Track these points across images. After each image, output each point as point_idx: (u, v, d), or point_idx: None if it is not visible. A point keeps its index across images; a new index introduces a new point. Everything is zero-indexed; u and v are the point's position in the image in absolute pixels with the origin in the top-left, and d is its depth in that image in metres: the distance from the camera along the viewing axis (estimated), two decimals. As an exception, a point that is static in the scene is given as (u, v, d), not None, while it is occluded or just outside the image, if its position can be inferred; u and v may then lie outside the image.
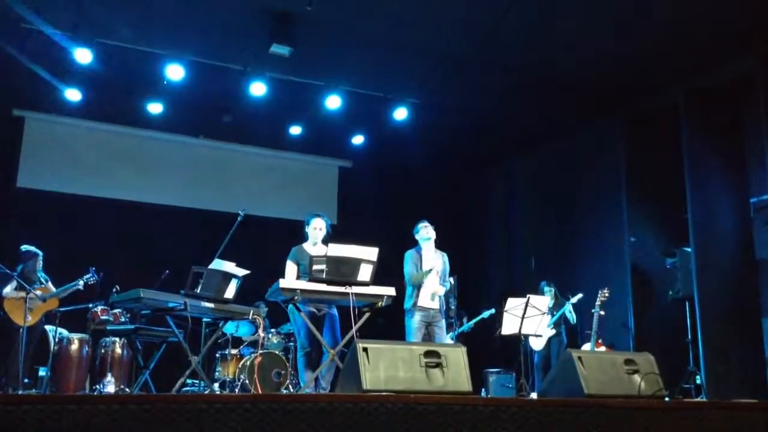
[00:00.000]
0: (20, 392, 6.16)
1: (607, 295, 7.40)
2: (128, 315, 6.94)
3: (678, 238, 7.95)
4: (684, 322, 7.71)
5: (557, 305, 8.03)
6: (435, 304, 6.21)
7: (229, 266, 5.28)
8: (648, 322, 8.16)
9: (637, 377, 3.96)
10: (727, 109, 7.77)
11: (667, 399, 4.06)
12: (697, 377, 7.33)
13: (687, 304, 7.67)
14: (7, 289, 6.68)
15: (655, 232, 8.48)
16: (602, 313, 7.38)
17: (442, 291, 6.28)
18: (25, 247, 7.01)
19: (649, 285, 8.33)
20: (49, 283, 7.08)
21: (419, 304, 6.17)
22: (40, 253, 7.09)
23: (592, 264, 8.95)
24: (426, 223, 6.52)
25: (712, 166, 7.73)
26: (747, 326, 7.19)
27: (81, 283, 6.94)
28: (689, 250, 7.63)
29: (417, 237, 6.51)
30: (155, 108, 8.96)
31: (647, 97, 8.40)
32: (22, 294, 6.52)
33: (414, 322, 6.16)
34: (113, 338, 6.74)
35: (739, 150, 7.72)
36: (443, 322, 6.29)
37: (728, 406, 3.17)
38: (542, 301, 6.94)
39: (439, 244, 6.41)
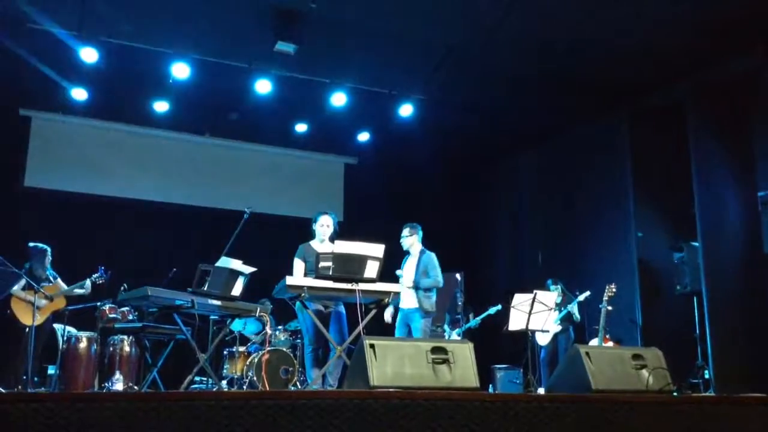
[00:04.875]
0: (29, 390, 6.19)
1: (614, 290, 7.38)
2: (136, 313, 6.97)
3: (685, 232, 7.92)
4: (692, 316, 7.69)
5: (565, 302, 8.01)
6: (411, 304, 6.41)
7: (236, 264, 5.29)
8: (656, 317, 8.13)
9: (644, 372, 3.95)
10: (733, 103, 7.73)
11: (675, 394, 4.04)
12: (706, 372, 7.31)
13: (695, 298, 7.65)
14: (15, 288, 6.70)
15: (663, 227, 8.45)
16: (609, 308, 7.36)
17: (405, 285, 6.47)
18: (32, 244, 7.03)
19: (657, 280, 8.31)
20: (59, 280, 7.10)
21: (399, 305, 6.52)
22: (48, 249, 7.10)
23: (600, 259, 8.92)
24: (403, 231, 6.75)
25: (718, 161, 7.69)
26: (755, 320, 7.16)
27: (89, 282, 6.96)
28: (697, 244, 7.60)
29: None
30: (161, 106, 8.99)
31: (653, 91, 8.36)
32: (30, 296, 6.53)
33: (397, 321, 6.60)
34: (121, 336, 6.77)
35: (745, 144, 7.68)
36: (419, 321, 6.41)
37: (737, 401, 3.15)
38: (549, 296, 6.92)
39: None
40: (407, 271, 6.60)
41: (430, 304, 6.46)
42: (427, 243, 6.92)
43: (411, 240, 6.69)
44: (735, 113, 7.72)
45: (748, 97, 7.61)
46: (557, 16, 6.92)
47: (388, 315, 6.63)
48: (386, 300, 5.27)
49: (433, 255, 6.62)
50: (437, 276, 6.50)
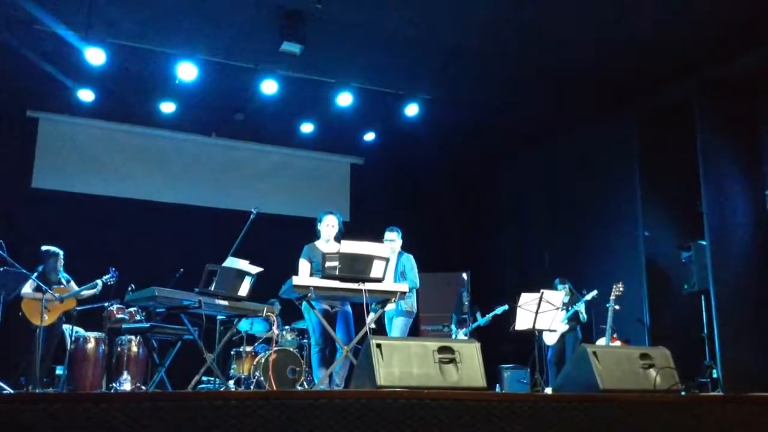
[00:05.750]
0: (38, 391, 6.21)
1: (621, 289, 7.35)
2: (144, 313, 6.99)
3: (693, 231, 7.89)
4: (700, 315, 7.66)
5: (573, 301, 7.99)
6: (390, 306, 5.94)
7: (243, 264, 5.30)
8: (663, 317, 8.11)
9: (652, 372, 3.93)
10: (740, 101, 7.70)
11: (682, 393, 4.03)
12: (714, 371, 7.28)
13: (702, 297, 7.62)
14: (27, 289, 6.73)
15: (670, 226, 8.42)
16: (617, 307, 7.34)
17: None
18: (45, 247, 7.06)
19: (664, 279, 8.28)
20: (71, 283, 7.14)
21: None
22: (61, 252, 7.13)
23: (607, 259, 8.90)
24: (390, 235, 6.51)
25: (726, 159, 7.66)
26: (763, 319, 7.14)
27: (100, 283, 6.98)
28: (704, 243, 7.57)
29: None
30: (167, 107, 9.02)
31: (660, 90, 8.33)
32: (40, 295, 6.55)
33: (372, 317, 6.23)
34: (129, 336, 6.78)
35: (753, 142, 7.65)
36: (396, 320, 6.25)
37: (745, 400, 3.14)
38: (556, 296, 6.91)
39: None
40: (387, 273, 6.49)
41: (409, 304, 6.28)
42: (435, 242, 6.89)
43: (397, 244, 6.53)
44: (742, 111, 7.69)
45: (755, 94, 7.59)
46: (562, 15, 6.91)
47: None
48: (393, 300, 5.26)
49: (411, 257, 6.48)
50: (414, 278, 6.35)
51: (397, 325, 6.25)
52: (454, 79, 8.27)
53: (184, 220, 9.67)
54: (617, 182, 8.94)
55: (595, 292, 7.75)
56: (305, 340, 7.46)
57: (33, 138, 9.24)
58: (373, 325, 5.36)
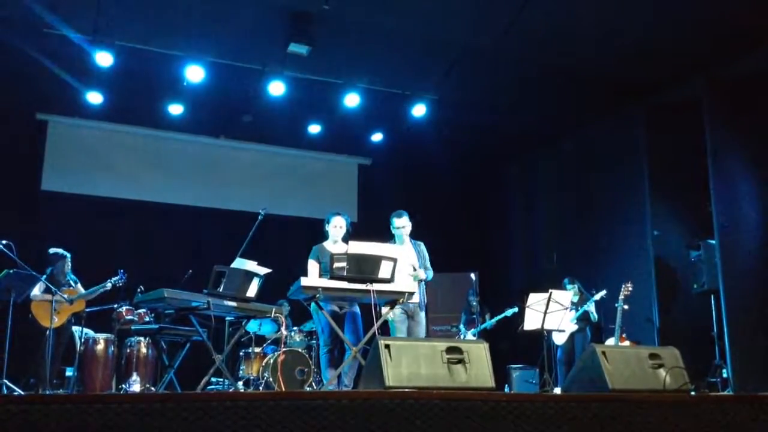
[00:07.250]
0: (48, 392, 6.25)
1: (630, 289, 7.33)
2: (153, 315, 7.01)
3: (702, 230, 7.86)
4: (709, 315, 7.62)
5: (582, 301, 7.97)
6: (414, 299, 5.63)
7: (251, 265, 5.31)
8: (673, 316, 8.08)
9: (662, 372, 3.92)
10: (750, 99, 7.65)
11: (692, 393, 4.01)
12: (724, 371, 7.24)
13: (712, 297, 7.58)
14: (36, 292, 6.77)
15: (679, 225, 8.39)
16: (626, 307, 7.32)
17: (422, 275, 5.98)
18: (53, 250, 7.10)
19: (674, 279, 8.25)
20: (78, 285, 7.17)
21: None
22: (68, 254, 7.17)
23: (616, 258, 8.87)
24: (400, 221, 6.20)
25: (735, 157, 7.62)
26: (774, 318, 7.10)
27: (109, 285, 7.02)
28: (714, 242, 7.54)
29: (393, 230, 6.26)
30: (176, 109, 9.04)
31: (669, 88, 8.29)
32: (50, 297, 6.59)
33: (395, 316, 5.90)
34: (138, 338, 6.81)
35: (762, 140, 7.60)
36: (422, 317, 6.04)
37: (755, 400, 3.13)
38: (564, 296, 6.90)
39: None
40: (413, 262, 6.09)
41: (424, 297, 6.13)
42: (442, 242, 6.85)
43: (409, 228, 6.23)
44: (752, 109, 7.64)
45: (764, 92, 7.54)
46: (570, 14, 6.89)
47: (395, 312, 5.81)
48: (401, 300, 5.26)
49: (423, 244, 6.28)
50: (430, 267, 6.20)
51: (423, 321, 6.07)
52: (461, 79, 8.26)
53: (192, 221, 9.70)
54: (626, 181, 8.91)
55: (603, 292, 7.74)
56: (314, 341, 7.47)
57: (42, 140, 9.29)
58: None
